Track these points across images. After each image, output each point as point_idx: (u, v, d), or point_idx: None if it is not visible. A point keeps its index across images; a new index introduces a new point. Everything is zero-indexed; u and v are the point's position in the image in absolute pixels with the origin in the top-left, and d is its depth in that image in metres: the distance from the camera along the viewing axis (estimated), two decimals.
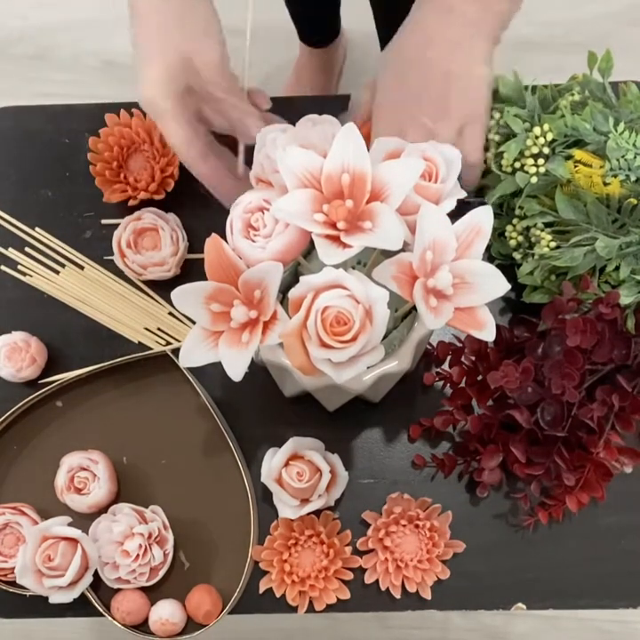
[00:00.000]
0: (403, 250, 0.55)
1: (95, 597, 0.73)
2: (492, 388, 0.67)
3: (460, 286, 0.55)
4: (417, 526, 0.73)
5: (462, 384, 0.73)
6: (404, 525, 0.73)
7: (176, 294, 0.57)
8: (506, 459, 0.70)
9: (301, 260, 0.62)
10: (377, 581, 0.74)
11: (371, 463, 0.77)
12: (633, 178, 0.67)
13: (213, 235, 0.57)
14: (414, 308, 0.56)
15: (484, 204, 0.60)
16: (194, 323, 0.81)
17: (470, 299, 0.56)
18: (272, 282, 0.55)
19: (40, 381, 0.79)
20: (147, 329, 0.80)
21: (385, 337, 0.56)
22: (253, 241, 0.56)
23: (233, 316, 0.56)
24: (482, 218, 0.57)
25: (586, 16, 1.65)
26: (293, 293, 0.54)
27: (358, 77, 1.65)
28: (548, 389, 0.64)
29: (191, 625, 0.74)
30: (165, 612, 0.72)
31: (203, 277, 0.58)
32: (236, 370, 0.56)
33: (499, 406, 0.70)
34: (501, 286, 0.56)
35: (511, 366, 0.65)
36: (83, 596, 0.72)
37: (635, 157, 0.67)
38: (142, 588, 0.73)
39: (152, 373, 0.80)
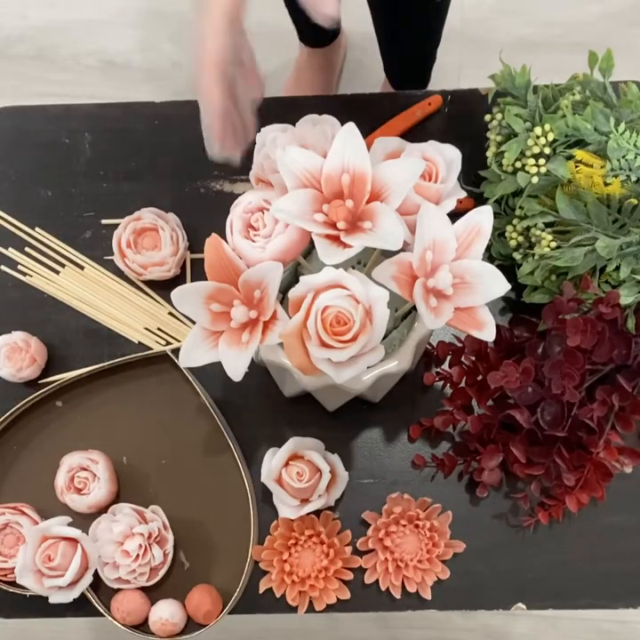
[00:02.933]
0: (402, 250, 0.55)
1: (95, 597, 0.73)
2: (493, 388, 0.66)
3: (460, 286, 0.55)
4: (417, 526, 0.73)
5: (462, 384, 0.73)
6: (404, 525, 0.73)
7: (176, 294, 0.57)
8: (506, 459, 0.69)
9: (301, 260, 0.62)
10: (377, 581, 0.74)
11: (371, 463, 0.77)
12: (633, 178, 0.67)
13: (213, 234, 0.57)
14: (414, 307, 0.56)
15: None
16: (194, 323, 0.81)
17: (470, 299, 0.56)
18: (272, 282, 0.55)
19: (40, 381, 0.79)
20: (147, 329, 0.80)
21: (385, 337, 0.56)
22: (253, 241, 0.56)
23: (233, 315, 0.56)
24: (482, 218, 0.57)
25: (586, 16, 1.65)
26: (293, 293, 0.54)
27: (358, 77, 1.65)
28: (548, 389, 0.64)
29: (191, 625, 0.74)
30: (165, 612, 0.72)
31: (203, 277, 0.58)
32: (237, 370, 0.56)
33: (499, 406, 0.70)
34: (501, 286, 0.56)
35: (511, 366, 0.65)
36: (83, 595, 0.72)
37: (635, 157, 0.67)
38: (142, 588, 0.73)
39: (152, 373, 0.79)
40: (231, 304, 0.57)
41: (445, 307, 0.55)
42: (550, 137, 0.68)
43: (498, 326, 0.59)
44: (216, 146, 0.63)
